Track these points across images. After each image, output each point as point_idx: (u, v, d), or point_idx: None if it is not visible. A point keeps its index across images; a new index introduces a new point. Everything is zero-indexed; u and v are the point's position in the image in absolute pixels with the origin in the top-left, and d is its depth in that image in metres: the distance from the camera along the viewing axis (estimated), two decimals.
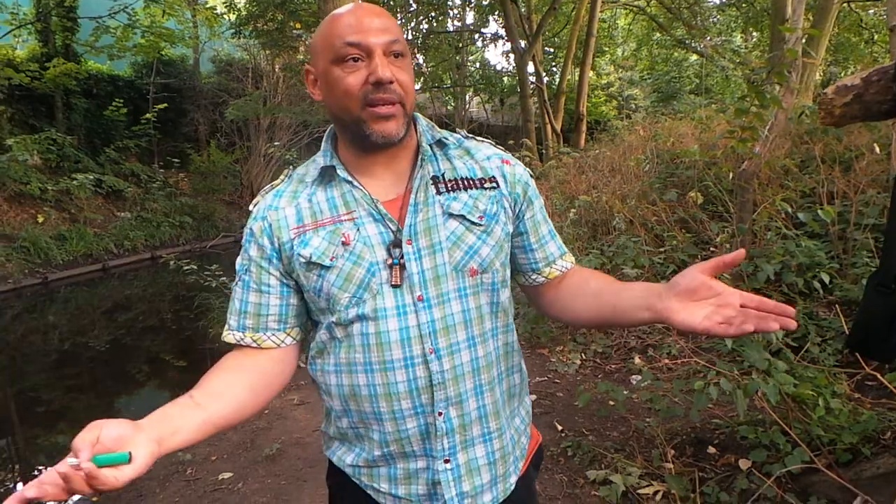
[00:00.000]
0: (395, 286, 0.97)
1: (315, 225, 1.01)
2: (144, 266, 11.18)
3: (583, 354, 4.08)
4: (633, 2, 17.01)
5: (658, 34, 18.19)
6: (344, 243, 0.98)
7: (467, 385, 1.01)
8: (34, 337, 7.18)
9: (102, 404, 5.01)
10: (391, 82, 0.95)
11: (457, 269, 1.00)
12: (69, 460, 0.77)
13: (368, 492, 1.07)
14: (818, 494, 2.17)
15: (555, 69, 20.08)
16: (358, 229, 0.99)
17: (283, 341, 1.07)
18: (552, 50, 19.72)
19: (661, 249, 4.78)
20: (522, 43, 12.09)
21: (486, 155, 1.10)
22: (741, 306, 0.87)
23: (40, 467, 3.83)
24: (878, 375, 2.10)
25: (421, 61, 16.75)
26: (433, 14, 13.49)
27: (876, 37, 10.64)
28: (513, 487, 1.08)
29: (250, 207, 1.10)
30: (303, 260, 1.00)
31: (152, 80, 13.92)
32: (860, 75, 1.31)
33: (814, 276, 3.45)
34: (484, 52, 23.32)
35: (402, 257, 0.98)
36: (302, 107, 14.11)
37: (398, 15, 13.20)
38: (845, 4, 9.55)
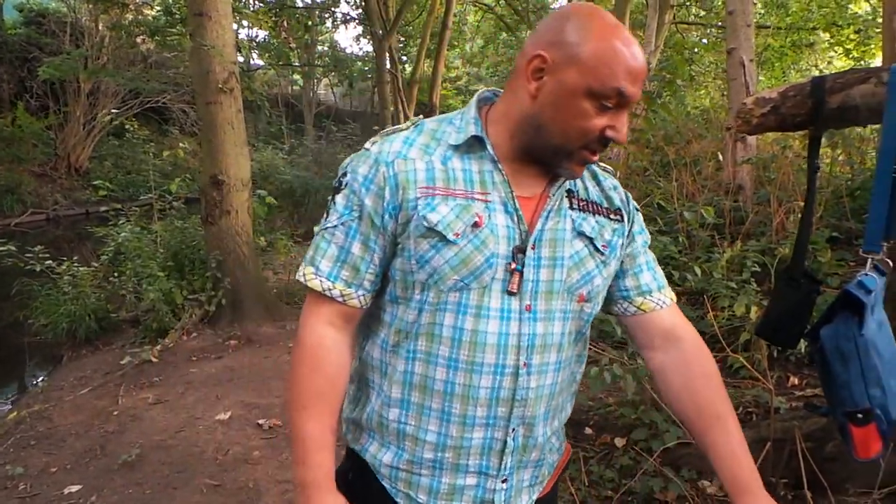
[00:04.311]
0: (510, 293, 0.90)
1: (446, 192, 0.90)
2: None
3: None
4: (483, 0, 17.58)
5: (504, 34, 18.98)
6: (476, 224, 0.89)
7: (541, 408, 0.96)
8: None
9: None
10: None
11: (569, 291, 0.95)
12: None
13: (398, 499, 0.97)
14: (688, 466, 2.40)
15: (405, 58, 20.15)
16: (489, 214, 0.90)
17: (364, 304, 0.96)
18: (404, 39, 19.77)
19: None
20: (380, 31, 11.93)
21: (613, 185, 1.07)
22: None
23: None
24: (741, 358, 2.36)
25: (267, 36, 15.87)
26: None
27: (694, 57, 12.15)
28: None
29: (367, 146, 0.96)
30: (426, 224, 0.88)
31: None
32: (777, 90, 1.45)
33: (664, 266, 3.82)
34: (334, 33, 22.78)
35: (523, 265, 0.91)
36: (132, 72, 12.66)
37: None
38: (672, 25, 10.72)
